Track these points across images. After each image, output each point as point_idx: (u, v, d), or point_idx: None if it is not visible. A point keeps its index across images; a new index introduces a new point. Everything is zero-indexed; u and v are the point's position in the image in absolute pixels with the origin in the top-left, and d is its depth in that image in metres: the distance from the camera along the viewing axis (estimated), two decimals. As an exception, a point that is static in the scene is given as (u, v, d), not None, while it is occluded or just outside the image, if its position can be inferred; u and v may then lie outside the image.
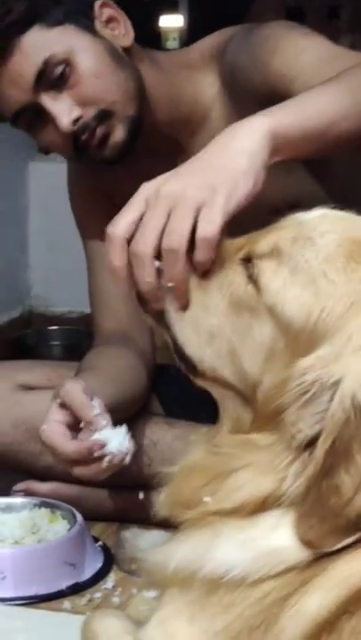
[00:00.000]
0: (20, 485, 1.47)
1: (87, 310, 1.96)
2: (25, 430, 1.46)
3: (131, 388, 1.40)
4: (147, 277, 0.92)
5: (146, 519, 1.40)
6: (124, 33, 1.34)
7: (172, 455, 1.14)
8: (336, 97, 1.05)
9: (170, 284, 0.92)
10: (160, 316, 0.99)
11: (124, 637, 0.97)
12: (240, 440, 0.94)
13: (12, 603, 1.26)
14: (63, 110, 1.26)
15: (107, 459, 1.13)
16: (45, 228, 2.62)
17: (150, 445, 1.47)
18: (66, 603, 1.25)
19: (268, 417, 0.90)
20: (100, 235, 1.18)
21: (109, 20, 1.32)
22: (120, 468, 1.17)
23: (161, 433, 1.49)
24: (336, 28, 3.27)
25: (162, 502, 0.96)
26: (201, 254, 0.91)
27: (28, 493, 1.46)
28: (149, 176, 1.05)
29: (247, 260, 0.92)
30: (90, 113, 1.27)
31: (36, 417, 1.43)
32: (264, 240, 0.92)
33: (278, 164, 1.04)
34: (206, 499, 0.89)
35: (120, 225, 0.94)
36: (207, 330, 0.96)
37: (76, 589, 1.29)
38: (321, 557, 0.85)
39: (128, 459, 1.17)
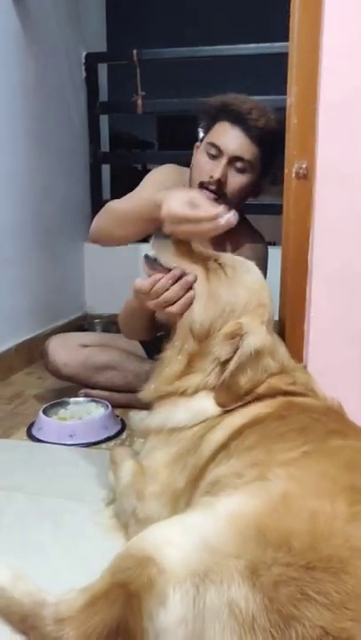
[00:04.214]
0: (81, 391, 2.04)
1: (113, 312, 2.64)
2: (84, 367, 2.00)
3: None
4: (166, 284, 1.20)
5: (139, 407, 1.80)
6: (259, 196, 1.93)
7: (147, 377, 1.38)
8: None
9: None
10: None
11: (129, 458, 1.23)
12: (194, 358, 1.18)
13: (78, 446, 1.73)
14: (221, 172, 1.77)
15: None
16: (93, 277, 3.38)
17: (139, 373, 1.95)
18: (103, 445, 1.72)
19: (208, 345, 1.14)
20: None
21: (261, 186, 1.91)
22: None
23: (144, 367, 1.98)
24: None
25: (147, 393, 1.23)
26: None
27: (85, 395, 2.02)
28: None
29: (216, 261, 1.23)
30: (223, 188, 1.79)
31: (89, 359, 2.00)
32: (227, 257, 1.25)
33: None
34: (176, 382, 1.16)
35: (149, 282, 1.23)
36: (200, 297, 1.19)
37: (108, 439, 1.79)
38: (222, 416, 1.08)
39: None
